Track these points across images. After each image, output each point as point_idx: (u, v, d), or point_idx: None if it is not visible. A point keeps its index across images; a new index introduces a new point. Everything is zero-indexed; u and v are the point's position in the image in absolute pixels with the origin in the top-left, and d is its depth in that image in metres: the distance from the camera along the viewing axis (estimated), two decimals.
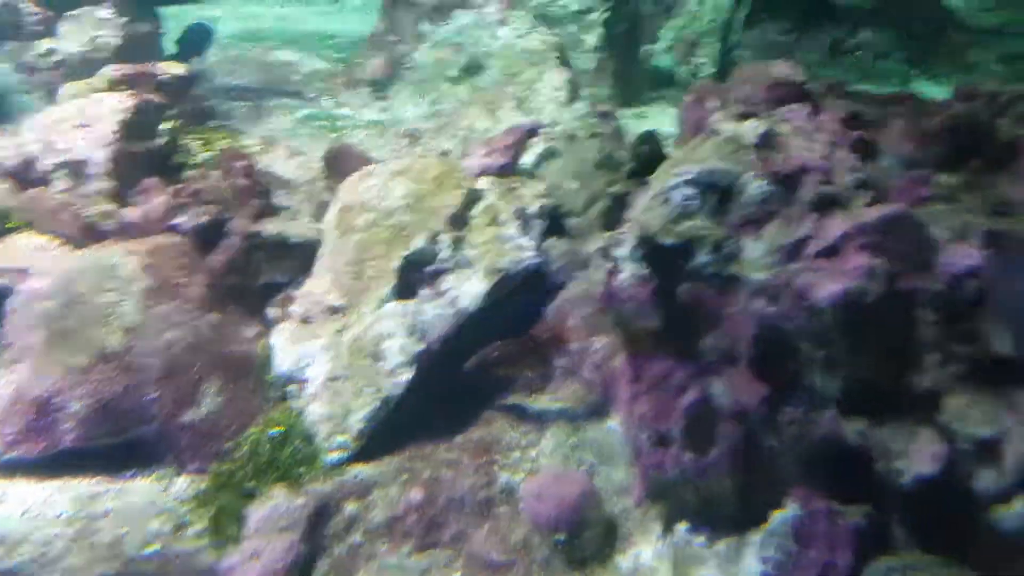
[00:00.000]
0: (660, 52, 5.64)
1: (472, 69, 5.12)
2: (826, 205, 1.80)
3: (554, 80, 4.66)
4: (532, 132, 2.99)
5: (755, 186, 1.86)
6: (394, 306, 2.11)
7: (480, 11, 5.41)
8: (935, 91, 5.83)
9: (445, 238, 2.27)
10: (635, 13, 4.87)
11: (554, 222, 2.56)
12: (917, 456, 1.62)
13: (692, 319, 1.88)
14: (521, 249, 2.36)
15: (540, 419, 2.12)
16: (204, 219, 2.23)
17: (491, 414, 2.12)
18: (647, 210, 1.94)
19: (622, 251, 1.88)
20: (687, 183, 1.91)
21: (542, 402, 2.16)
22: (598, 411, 2.15)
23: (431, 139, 4.23)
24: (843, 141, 1.96)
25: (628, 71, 5.02)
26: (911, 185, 1.92)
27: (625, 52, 4.98)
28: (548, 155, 3.17)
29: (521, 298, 2.36)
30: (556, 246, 2.50)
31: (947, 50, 6.07)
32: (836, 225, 1.77)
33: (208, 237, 2.24)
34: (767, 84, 2.16)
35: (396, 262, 2.16)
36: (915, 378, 1.70)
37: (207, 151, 2.59)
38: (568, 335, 2.34)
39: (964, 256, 1.69)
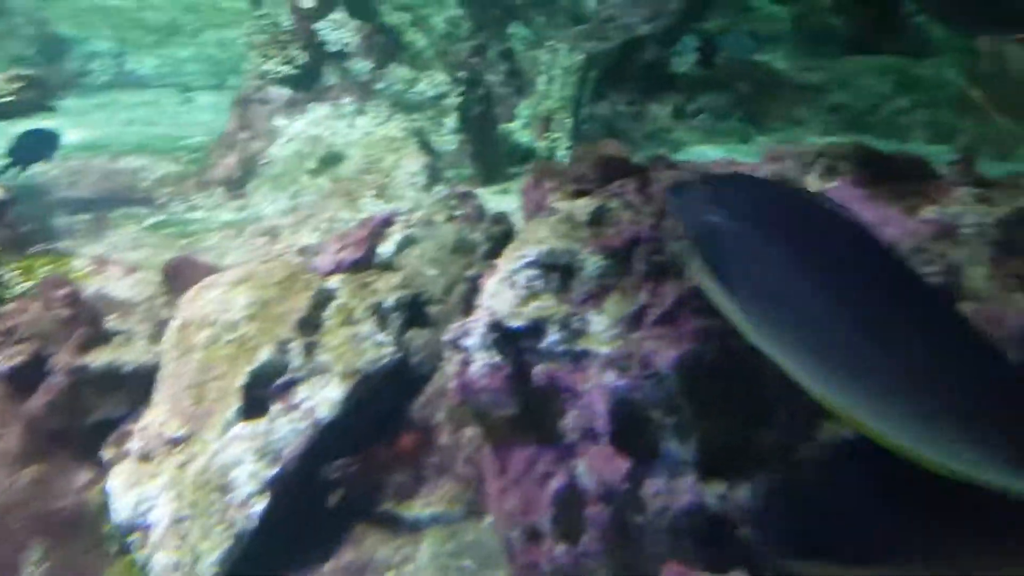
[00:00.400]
0: (518, 130, 5.83)
1: (331, 160, 5.09)
2: (659, 273, 1.84)
3: (412, 165, 4.71)
4: (387, 221, 2.96)
5: (592, 262, 1.89)
6: (241, 428, 1.97)
7: (336, 102, 5.43)
8: (770, 142, 6.35)
9: (295, 346, 2.16)
10: (488, 95, 5.02)
11: (415, 312, 2.51)
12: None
13: (550, 400, 1.86)
14: (380, 346, 2.28)
15: (415, 527, 2.01)
16: (19, 360, 2.02)
17: (362, 529, 1.99)
18: (494, 295, 1.93)
19: (472, 340, 1.84)
20: (529, 265, 1.91)
21: (415, 508, 2.05)
22: (474, 509, 2.06)
23: (291, 234, 4.12)
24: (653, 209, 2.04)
25: (487, 151, 5.14)
26: None
27: (483, 133, 5.10)
28: (407, 243, 3.14)
29: (385, 397, 2.27)
30: (417, 337, 2.44)
31: (779, 107, 6.63)
32: (670, 292, 1.81)
33: (26, 379, 2.03)
34: (597, 162, 2.23)
35: (241, 379, 2.03)
36: (765, 433, 1.74)
37: (27, 281, 2.39)
38: (437, 430, 2.26)
39: None
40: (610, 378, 1.78)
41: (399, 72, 5.66)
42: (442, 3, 8.12)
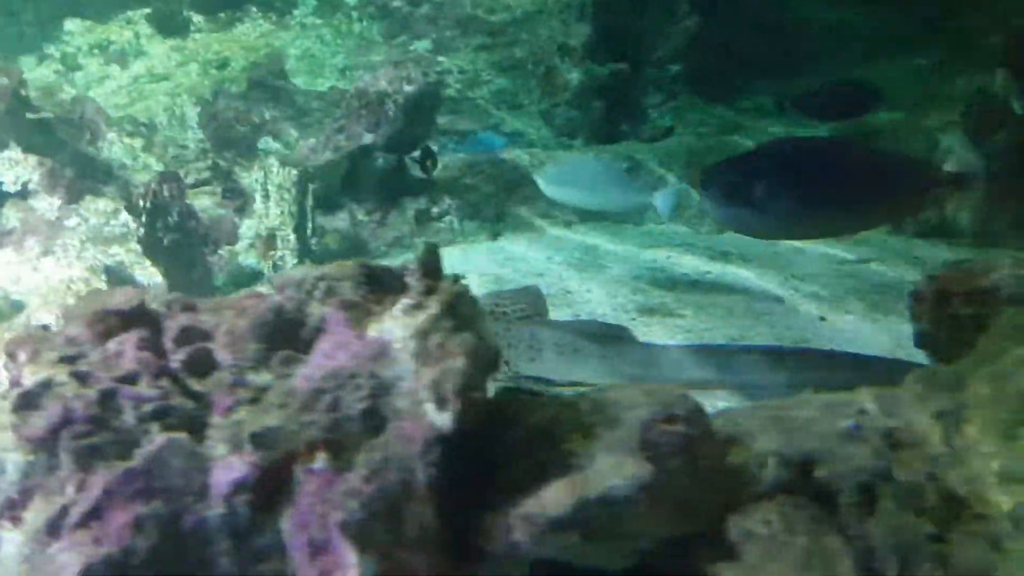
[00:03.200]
0: (243, 251, 5.49)
1: (6, 313, 4.49)
2: (90, 457, 1.51)
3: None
4: None
5: (12, 461, 1.53)
6: None
7: (19, 246, 4.87)
8: (520, 239, 6.43)
9: None
10: (182, 224, 4.66)
11: None
12: None
13: None
14: None
15: None
16: None
17: None
18: None
19: None
20: None
21: None
22: None
23: None
24: (151, 367, 1.73)
25: (189, 278, 4.73)
26: (222, 394, 1.72)
27: (180, 262, 4.70)
28: None
29: None
30: None
31: (524, 202, 6.74)
32: (99, 481, 1.48)
33: None
34: (92, 319, 1.90)
35: None
36: None
37: None
38: None
39: (230, 471, 1.48)
40: None
41: (96, 205, 5.21)
42: (184, 125, 7.79)
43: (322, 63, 9.43)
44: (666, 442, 1.48)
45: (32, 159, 4.91)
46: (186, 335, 1.90)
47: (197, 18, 9.57)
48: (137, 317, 1.95)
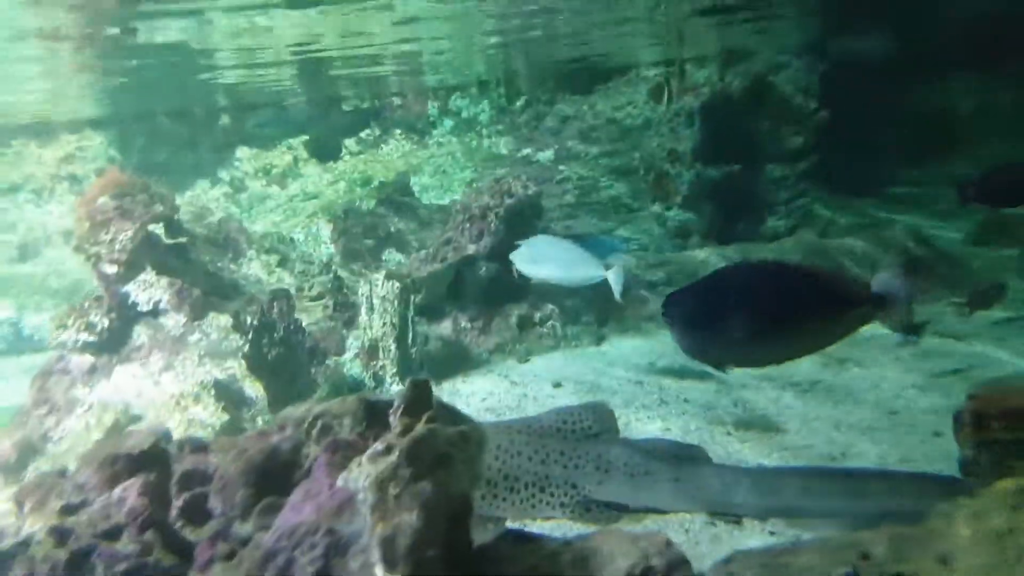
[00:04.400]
0: (348, 361, 5.63)
1: (124, 426, 4.81)
2: None
3: (187, 426, 4.39)
4: None
5: None
6: None
7: (144, 362, 5.26)
8: (624, 344, 6.14)
9: None
10: (288, 339, 4.84)
11: None
12: None
13: None
14: None
15: None
16: None
17: None
18: None
19: None
20: None
21: None
22: None
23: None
24: (141, 520, 1.68)
25: (291, 391, 4.87)
26: (204, 547, 1.64)
27: (283, 377, 4.86)
28: None
29: None
30: None
31: (631, 304, 6.49)
32: None
33: None
34: (103, 463, 1.91)
35: None
36: None
37: None
38: None
39: None
40: None
41: (219, 321, 5.57)
42: (318, 240, 8.33)
43: (451, 177, 9.90)
44: None
45: (164, 280, 5.35)
46: (186, 480, 1.86)
47: (348, 141, 10.47)
48: (146, 461, 1.94)
